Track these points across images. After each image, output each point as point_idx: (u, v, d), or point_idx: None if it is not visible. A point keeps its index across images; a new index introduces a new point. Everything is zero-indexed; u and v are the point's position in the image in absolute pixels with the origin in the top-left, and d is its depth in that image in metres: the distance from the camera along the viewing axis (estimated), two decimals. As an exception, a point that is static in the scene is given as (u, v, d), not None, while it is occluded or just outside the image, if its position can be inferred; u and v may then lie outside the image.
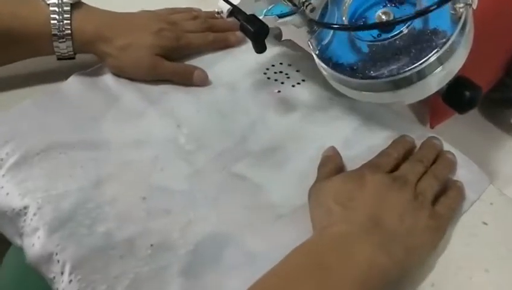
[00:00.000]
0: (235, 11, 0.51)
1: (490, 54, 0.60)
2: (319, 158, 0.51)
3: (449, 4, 0.46)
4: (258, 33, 0.49)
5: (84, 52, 0.59)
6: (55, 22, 0.55)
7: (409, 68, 0.47)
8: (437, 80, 0.48)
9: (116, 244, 0.44)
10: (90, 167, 0.50)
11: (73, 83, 0.59)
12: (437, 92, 0.50)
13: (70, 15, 0.55)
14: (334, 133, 0.54)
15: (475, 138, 0.62)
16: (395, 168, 0.48)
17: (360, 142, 0.53)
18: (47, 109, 0.56)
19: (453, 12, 0.46)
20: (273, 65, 0.62)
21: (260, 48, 0.51)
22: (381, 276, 0.39)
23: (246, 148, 0.53)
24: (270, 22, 0.54)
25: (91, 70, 0.60)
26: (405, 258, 0.41)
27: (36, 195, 0.47)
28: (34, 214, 0.46)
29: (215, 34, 0.63)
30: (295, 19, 0.55)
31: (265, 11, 0.56)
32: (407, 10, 0.49)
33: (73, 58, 0.59)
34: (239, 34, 0.63)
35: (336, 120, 0.56)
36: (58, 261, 0.44)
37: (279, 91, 0.59)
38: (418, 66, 0.46)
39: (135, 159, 0.51)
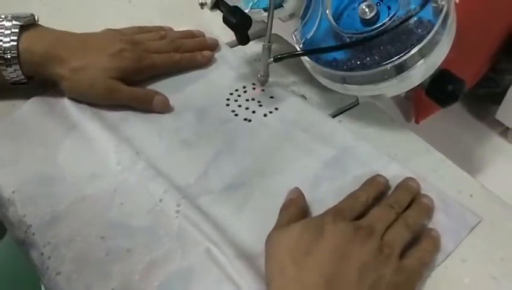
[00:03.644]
0: (218, 2, 0.52)
1: (475, 49, 0.60)
2: (284, 198, 0.47)
3: (431, -3, 0.46)
4: (240, 25, 0.49)
5: (38, 76, 0.55)
6: (1, 43, 0.51)
7: (391, 60, 0.47)
8: (419, 72, 0.48)
9: None
10: (44, 204, 0.47)
11: (28, 108, 0.55)
12: (421, 87, 0.50)
13: (18, 37, 0.51)
14: (303, 169, 0.50)
15: (460, 134, 0.62)
16: (364, 213, 0.43)
17: (330, 180, 0.49)
18: (0, 139, 0.53)
19: (435, 5, 0.47)
20: (245, 91, 0.58)
21: (243, 40, 0.52)
22: None
23: (207, 186, 0.49)
24: (256, 15, 0.55)
25: (48, 93, 0.56)
26: None
27: None
28: None
29: (182, 54, 0.60)
30: (281, 12, 0.55)
31: (251, 4, 0.56)
32: (390, 2, 0.50)
33: (26, 83, 0.55)
34: (207, 53, 0.61)
35: (307, 154, 0.51)
36: None
37: (249, 120, 0.55)
38: (399, 58, 0.47)
39: (92, 193, 0.48)
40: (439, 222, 0.45)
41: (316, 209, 0.46)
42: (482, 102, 0.65)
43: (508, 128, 0.62)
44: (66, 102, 0.55)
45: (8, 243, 0.82)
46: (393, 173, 0.48)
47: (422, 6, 0.46)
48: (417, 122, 0.63)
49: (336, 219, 0.41)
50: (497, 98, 0.61)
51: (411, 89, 0.50)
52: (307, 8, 0.54)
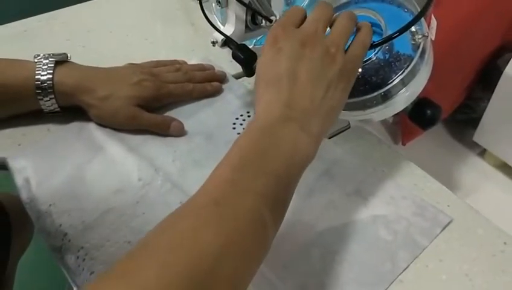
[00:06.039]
0: (228, 41, 0.59)
1: (453, 80, 0.68)
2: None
3: (410, 36, 0.54)
4: (247, 60, 0.57)
5: (70, 105, 0.61)
6: (39, 76, 0.58)
7: (377, 89, 0.54)
8: (402, 99, 0.55)
9: None
10: (76, 215, 0.54)
11: (61, 133, 0.62)
12: (404, 112, 0.57)
13: (53, 71, 0.59)
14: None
15: (442, 153, 0.69)
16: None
17: (321, 191, 0.56)
18: (34, 160, 0.59)
19: (413, 42, 0.54)
20: (249, 116, 0.65)
21: (249, 73, 0.59)
22: (303, 155, 0.42)
23: None
24: (259, 50, 0.62)
25: (78, 119, 0.63)
26: (322, 130, 0.43)
27: None
28: None
29: (194, 84, 0.67)
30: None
31: (254, 41, 0.64)
32: (374, 39, 0.57)
33: (59, 112, 0.62)
34: (216, 84, 0.68)
35: None
36: None
37: None
38: (384, 87, 0.54)
39: (118, 206, 0.54)
40: (416, 223, 0.52)
41: (307, 217, 0.53)
42: (461, 126, 0.72)
43: (484, 149, 0.69)
44: (93, 127, 0.63)
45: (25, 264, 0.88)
46: (376, 182, 0.55)
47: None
48: (403, 144, 0.70)
49: (287, 36, 0.44)
50: (474, 123, 0.68)
51: (396, 114, 0.57)
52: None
